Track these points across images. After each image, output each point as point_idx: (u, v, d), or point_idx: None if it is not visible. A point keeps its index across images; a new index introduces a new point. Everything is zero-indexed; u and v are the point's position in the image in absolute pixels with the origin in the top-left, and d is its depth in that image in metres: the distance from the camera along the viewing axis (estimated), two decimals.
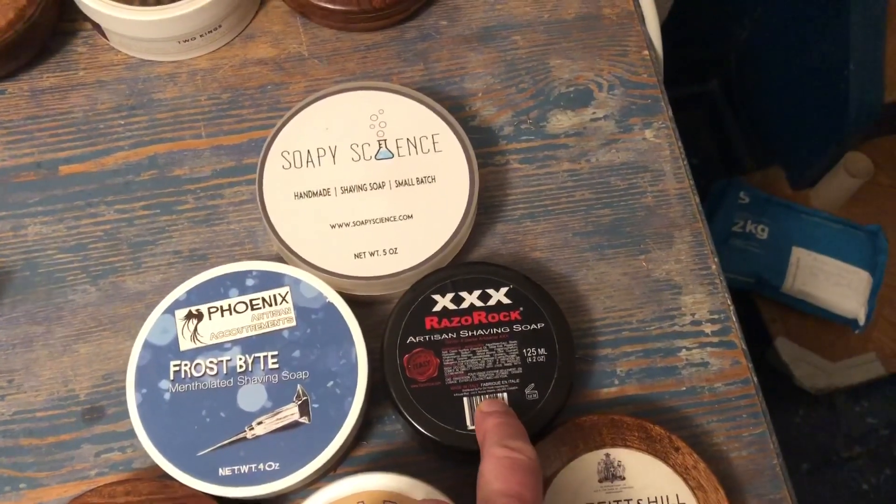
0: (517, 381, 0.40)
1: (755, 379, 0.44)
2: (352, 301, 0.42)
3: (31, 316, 0.44)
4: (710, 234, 0.47)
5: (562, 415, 0.40)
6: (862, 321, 1.04)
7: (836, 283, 1.05)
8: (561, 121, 0.50)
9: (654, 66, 0.52)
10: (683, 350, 0.44)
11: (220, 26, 0.48)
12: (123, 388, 0.41)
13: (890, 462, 1.13)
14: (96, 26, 0.49)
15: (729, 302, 0.46)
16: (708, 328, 0.45)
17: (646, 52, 0.52)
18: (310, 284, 0.41)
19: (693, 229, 0.47)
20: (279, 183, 0.43)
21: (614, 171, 0.48)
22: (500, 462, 0.34)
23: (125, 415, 0.40)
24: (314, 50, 0.51)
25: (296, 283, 0.41)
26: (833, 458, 1.14)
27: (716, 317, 0.45)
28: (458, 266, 0.42)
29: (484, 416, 0.37)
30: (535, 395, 0.39)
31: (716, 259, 0.46)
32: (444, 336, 0.40)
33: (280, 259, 0.45)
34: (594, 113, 0.50)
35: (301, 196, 0.43)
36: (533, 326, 0.41)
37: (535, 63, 0.51)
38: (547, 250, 0.46)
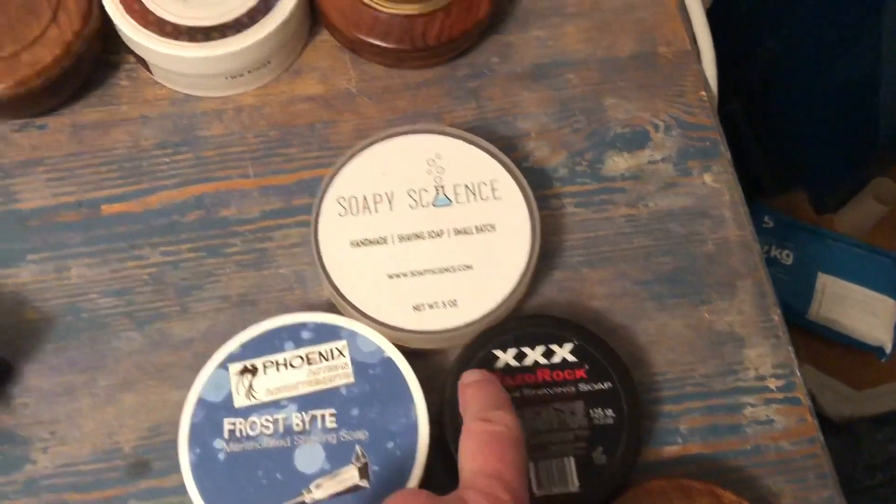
0: (584, 443, 0.38)
1: (822, 437, 0.43)
2: (406, 351, 0.40)
3: (74, 363, 0.43)
4: (773, 284, 0.46)
5: (628, 477, 0.39)
6: (888, 349, 1.03)
7: (862, 311, 1.04)
8: (617, 163, 0.48)
9: (710, 106, 0.50)
10: (748, 407, 0.43)
11: (269, 62, 0.47)
12: (170, 440, 0.40)
13: None
14: (140, 59, 0.48)
15: (793, 356, 0.44)
16: (772, 383, 0.43)
17: (703, 93, 0.50)
18: (367, 338, 0.40)
19: (755, 279, 0.46)
20: (335, 230, 0.42)
21: (674, 216, 0.47)
22: (477, 437, 0.32)
23: (173, 469, 0.39)
24: (363, 87, 0.49)
25: (353, 336, 0.40)
26: (854, 486, 1.12)
27: (780, 371, 0.44)
28: (520, 319, 0.41)
29: (463, 388, 0.35)
30: (603, 460, 0.38)
31: (778, 310, 0.45)
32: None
33: (331, 305, 0.43)
34: (651, 155, 0.48)
35: (358, 244, 0.41)
36: (600, 386, 0.39)
37: (590, 102, 0.50)
38: (605, 299, 0.45)
